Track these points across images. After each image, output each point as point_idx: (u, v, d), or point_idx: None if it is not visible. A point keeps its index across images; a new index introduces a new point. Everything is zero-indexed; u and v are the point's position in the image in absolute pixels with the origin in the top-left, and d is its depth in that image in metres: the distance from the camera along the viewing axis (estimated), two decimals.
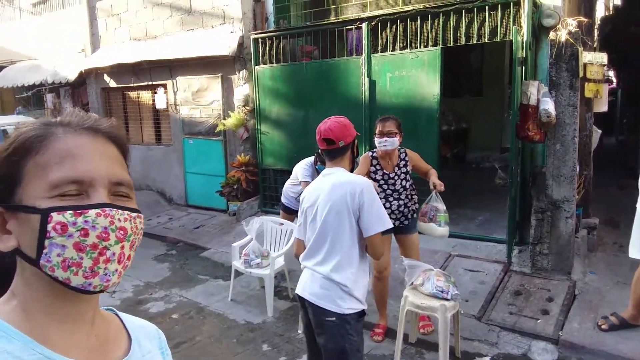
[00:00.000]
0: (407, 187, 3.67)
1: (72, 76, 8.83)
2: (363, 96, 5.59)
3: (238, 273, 4.49)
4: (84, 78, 9.01)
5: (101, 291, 0.69)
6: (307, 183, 4.46)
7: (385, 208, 3.36)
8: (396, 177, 3.62)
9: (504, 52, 9.15)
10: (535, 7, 4.65)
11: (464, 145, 9.71)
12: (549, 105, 3.96)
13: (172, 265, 5.58)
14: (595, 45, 4.67)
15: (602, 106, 4.83)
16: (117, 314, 0.83)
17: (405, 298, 3.32)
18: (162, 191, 8.43)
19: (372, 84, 5.52)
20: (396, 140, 3.49)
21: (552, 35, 4.07)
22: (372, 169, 3.63)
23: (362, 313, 2.37)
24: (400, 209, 3.65)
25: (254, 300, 4.52)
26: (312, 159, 4.56)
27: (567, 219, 4.26)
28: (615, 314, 3.64)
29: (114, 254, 0.67)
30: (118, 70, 8.30)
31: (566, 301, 4.02)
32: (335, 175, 2.44)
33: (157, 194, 8.41)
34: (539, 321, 3.84)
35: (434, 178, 3.56)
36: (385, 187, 3.61)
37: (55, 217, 0.64)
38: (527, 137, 4.20)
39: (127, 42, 8.20)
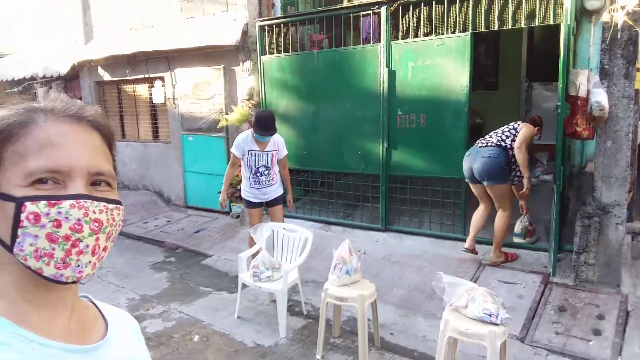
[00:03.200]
0: None
1: (64, 69, 8.30)
2: (381, 88, 5.08)
3: (244, 285, 4.00)
4: (77, 71, 8.48)
5: (74, 282, 0.68)
6: (234, 158, 4.40)
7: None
8: None
9: (520, 44, 8.66)
10: None
11: None
12: (601, 97, 3.47)
13: (170, 275, 5.06)
14: None
15: None
16: (92, 301, 0.83)
17: (446, 322, 2.83)
18: (159, 191, 7.91)
19: (391, 74, 5.01)
20: None
21: (605, 17, 3.56)
22: None
23: None
24: None
25: (263, 317, 4.02)
26: (248, 131, 4.40)
27: (617, 225, 3.77)
28: None
29: (87, 245, 0.67)
30: (113, 63, 7.77)
31: (620, 319, 3.53)
32: None
33: (155, 194, 7.90)
34: (591, 343, 3.35)
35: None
36: None
37: (29, 206, 0.64)
38: (575, 133, 3.71)
39: (122, 32, 7.67)
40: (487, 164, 4.20)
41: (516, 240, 4.67)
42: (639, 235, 4.48)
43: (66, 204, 0.65)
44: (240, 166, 4.54)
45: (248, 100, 6.19)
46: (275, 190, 4.47)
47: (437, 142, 4.86)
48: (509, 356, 3.26)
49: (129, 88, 8.11)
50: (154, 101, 7.55)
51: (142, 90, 7.90)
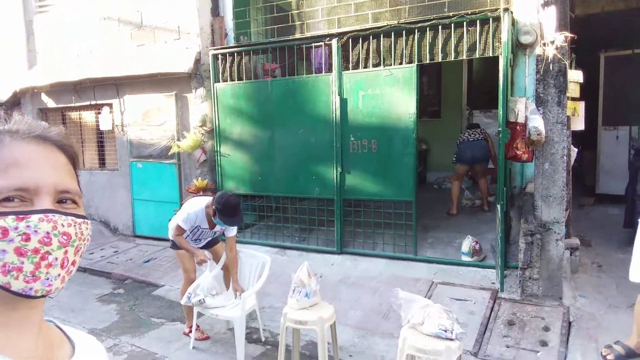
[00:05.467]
0: None
1: (4, 96, 7.96)
2: (334, 115, 5.23)
3: (200, 314, 3.91)
4: (19, 98, 8.13)
5: (43, 296, 0.68)
6: (180, 230, 3.79)
7: None
8: None
9: (461, 75, 9.21)
10: (512, 25, 4.53)
11: (425, 167, 9.61)
12: (538, 123, 3.77)
13: (120, 307, 4.85)
14: (571, 62, 4.58)
15: (578, 124, 4.74)
16: (57, 325, 0.83)
17: (404, 340, 2.90)
18: (105, 220, 7.61)
19: (343, 102, 5.18)
20: None
21: (538, 50, 3.91)
22: None
23: None
24: None
25: (220, 346, 3.93)
26: (202, 207, 3.82)
27: (557, 242, 4.04)
28: (620, 343, 3.39)
29: (56, 259, 0.67)
30: (58, 89, 7.52)
31: (563, 330, 3.75)
32: None
33: (100, 224, 7.59)
34: (539, 354, 3.53)
35: None
36: None
37: None
38: (515, 156, 3.98)
39: (68, 58, 7.46)
40: (484, 151, 6.39)
41: (464, 258, 4.87)
42: (576, 250, 4.81)
43: (35, 217, 0.66)
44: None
45: (201, 126, 6.17)
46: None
47: (388, 167, 5.04)
48: None
49: (74, 115, 7.85)
50: (101, 128, 7.35)
51: (88, 117, 7.68)
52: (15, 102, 8.21)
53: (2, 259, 0.64)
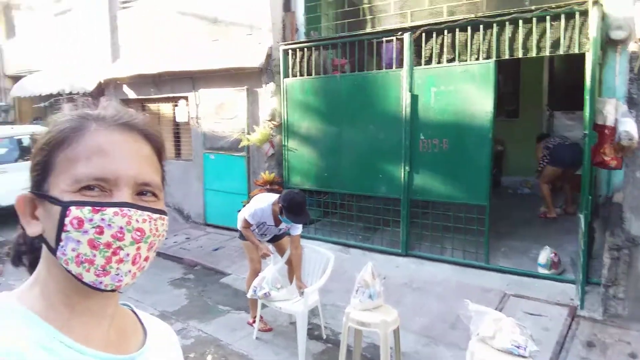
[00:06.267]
0: None
1: (90, 86, 8.54)
2: (404, 112, 5.10)
3: (264, 305, 3.97)
4: (103, 88, 8.71)
5: (112, 290, 0.68)
6: (247, 223, 3.90)
7: None
8: None
9: (542, 73, 8.63)
10: (602, 19, 4.15)
11: (499, 169, 9.12)
12: (630, 126, 3.43)
13: (189, 292, 5.06)
14: None
15: None
16: (133, 310, 0.83)
17: (472, 354, 2.76)
18: (179, 208, 7.98)
19: (414, 99, 5.03)
20: None
21: (633, 47, 3.55)
22: None
23: None
24: None
25: (282, 339, 3.97)
26: (269, 204, 3.88)
27: None
28: None
29: (128, 254, 0.67)
30: (138, 81, 7.97)
31: None
32: None
33: (174, 211, 7.96)
34: None
35: None
36: None
37: (74, 211, 0.64)
38: (602, 163, 3.65)
39: (148, 52, 7.87)
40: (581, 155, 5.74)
41: (541, 271, 4.58)
42: None
43: (110, 211, 0.65)
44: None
45: (270, 121, 6.26)
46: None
47: (460, 168, 4.84)
48: None
49: (153, 106, 8.27)
50: (177, 120, 7.69)
51: (166, 109, 8.06)
52: (99, 93, 8.80)
53: (76, 249, 0.64)
